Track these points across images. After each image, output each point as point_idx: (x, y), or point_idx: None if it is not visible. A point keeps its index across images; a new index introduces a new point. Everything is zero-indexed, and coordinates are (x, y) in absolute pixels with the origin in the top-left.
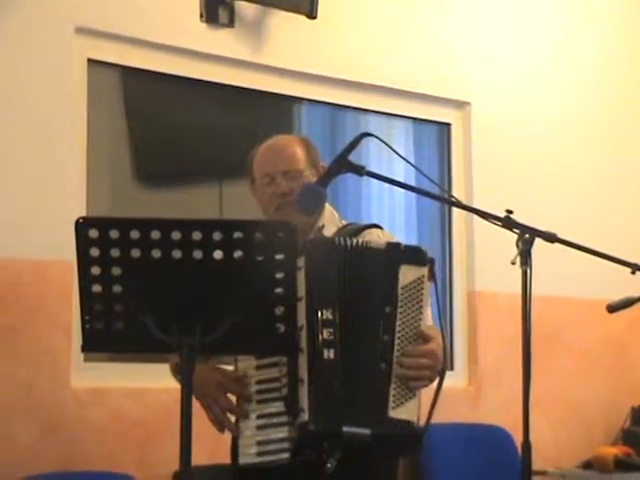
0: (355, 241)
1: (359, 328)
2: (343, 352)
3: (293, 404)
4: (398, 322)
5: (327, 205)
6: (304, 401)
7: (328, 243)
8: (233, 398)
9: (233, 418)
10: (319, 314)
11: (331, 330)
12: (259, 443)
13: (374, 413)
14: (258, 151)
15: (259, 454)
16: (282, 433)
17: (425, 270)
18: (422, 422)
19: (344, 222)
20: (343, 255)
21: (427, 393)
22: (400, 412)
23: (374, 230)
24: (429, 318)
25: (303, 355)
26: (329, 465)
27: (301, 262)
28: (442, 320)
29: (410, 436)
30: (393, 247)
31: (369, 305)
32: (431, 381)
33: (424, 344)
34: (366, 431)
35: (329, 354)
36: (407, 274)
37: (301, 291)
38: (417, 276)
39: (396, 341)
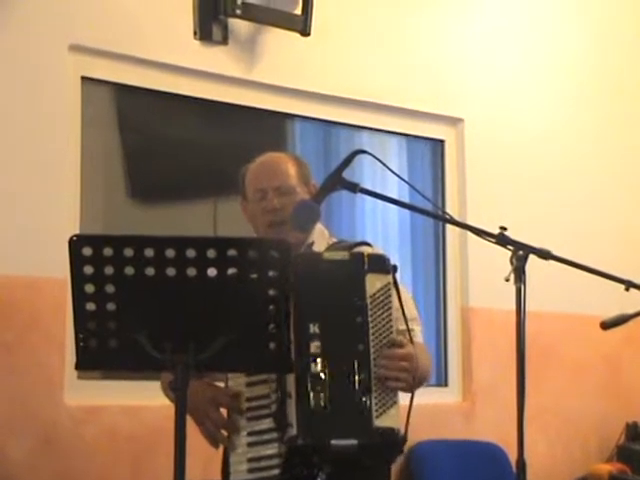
0: (325, 254)
1: (338, 340)
2: (328, 365)
3: (282, 419)
4: (371, 331)
5: (317, 223)
6: (292, 416)
7: (312, 258)
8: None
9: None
10: (307, 328)
11: (318, 344)
12: (250, 460)
13: (359, 423)
14: (250, 168)
15: (250, 471)
16: (272, 449)
17: (390, 278)
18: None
19: (334, 239)
20: (321, 269)
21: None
22: (384, 420)
23: (364, 247)
24: (418, 336)
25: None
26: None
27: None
28: (428, 333)
29: (394, 442)
30: (357, 257)
31: (343, 317)
32: (409, 385)
33: (399, 348)
34: (353, 442)
35: (316, 367)
36: (374, 283)
37: (290, 306)
38: (383, 284)
39: (371, 350)
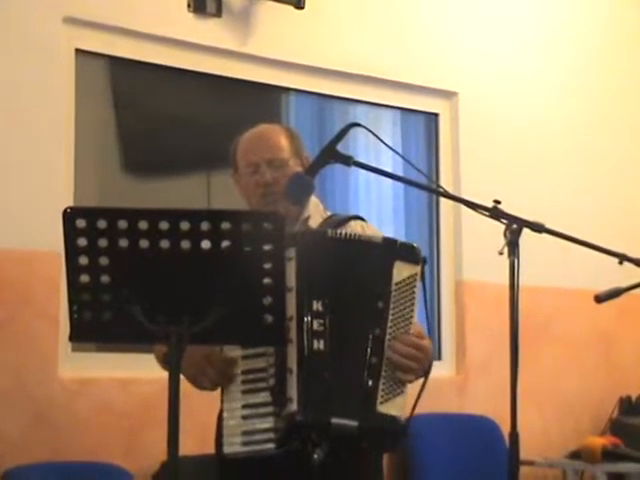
0: (350, 234)
1: (350, 321)
2: (333, 344)
3: (280, 394)
4: (390, 318)
5: (312, 196)
6: (292, 391)
7: (320, 235)
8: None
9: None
10: (310, 305)
11: (321, 321)
12: (244, 433)
13: (362, 406)
14: (241, 140)
15: (244, 444)
16: (268, 423)
17: (418, 268)
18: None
19: (328, 213)
20: (337, 247)
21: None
22: (388, 407)
23: (358, 222)
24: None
25: (292, 345)
26: (316, 456)
27: (292, 253)
28: (429, 318)
29: (395, 431)
30: (389, 243)
31: (361, 299)
32: (417, 377)
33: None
34: (353, 423)
35: (319, 345)
36: (401, 271)
37: (292, 282)
38: (411, 273)
39: (387, 337)
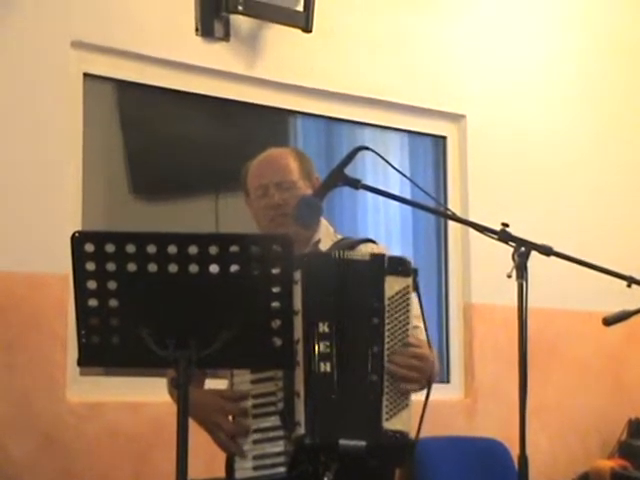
0: (340, 253)
1: (351, 341)
2: (338, 365)
3: (289, 418)
4: (387, 333)
5: (322, 219)
6: (300, 415)
7: (324, 257)
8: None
9: None
10: (316, 327)
11: (327, 343)
12: (255, 457)
13: (369, 425)
14: (251, 165)
15: (255, 468)
16: (278, 447)
17: (410, 280)
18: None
19: (339, 236)
20: (336, 268)
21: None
22: (394, 422)
23: (369, 244)
24: (422, 333)
25: (299, 368)
26: (326, 478)
27: (298, 275)
28: (430, 330)
29: (403, 446)
30: (377, 259)
31: (359, 317)
32: (420, 386)
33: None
34: (361, 443)
35: (325, 367)
36: (392, 285)
37: (298, 304)
38: (402, 286)
39: (385, 352)
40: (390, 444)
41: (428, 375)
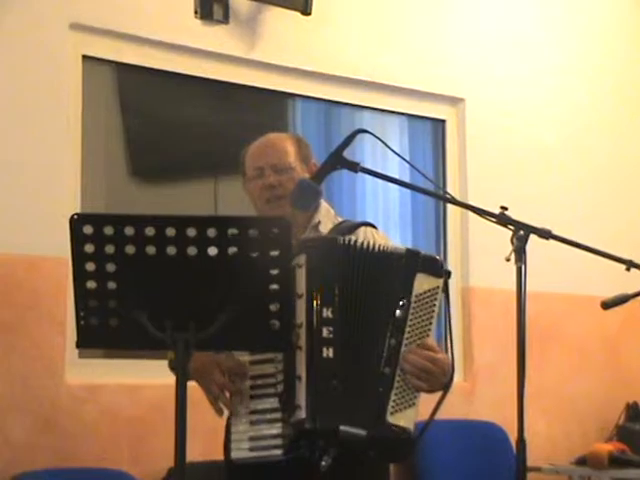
0: (372, 244)
1: (364, 329)
2: (343, 351)
3: (289, 401)
4: (407, 329)
5: (323, 202)
6: (301, 398)
7: (331, 242)
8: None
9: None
10: (320, 312)
11: (331, 329)
12: (252, 438)
13: (372, 415)
14: (250, 147)
15: (251, 449)
16: (275, 429)
17: (440, 282)
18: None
19: (339, 219)
20: (351, 255)
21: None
22: (398, 418)
23: (368, 229)
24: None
25: (301, 352)
26: (324, 463)
27: (302, 260)
28: (446, 331)
29: (404, 442)
30: (411, 254)
31: (379, 307)
32: (431, 389)
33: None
34: (362, 432)
35: (328, 353)
36: (423, 283)
37: (302, 289)
38: (432, 286)
39: (403, 347)
40: (391, 438)
41: (440, 381)
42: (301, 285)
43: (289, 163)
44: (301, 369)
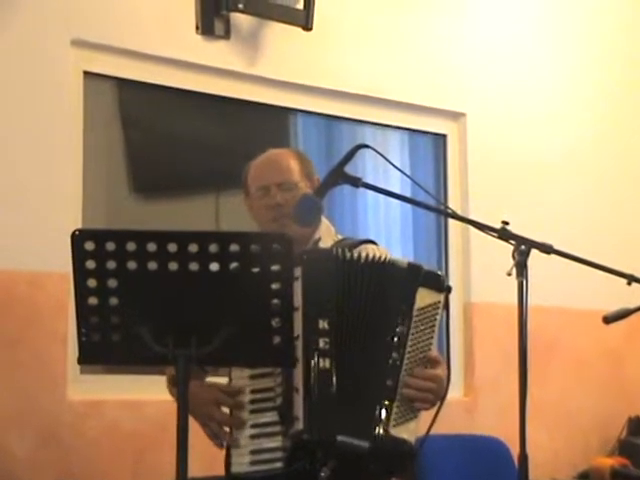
0: (373, 256)
1: (362, 341)
2: (340, 362)
3: (287, 413)
4: (409, 343)
5: (323, 218)
6: (299, 410)
7: (326, 254)
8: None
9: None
10: (315, 324)
11: (327, 340)
12: (252, 452)
13: (374, 427)
14: (252, 165)
15: (252, 463)
16: (275, 442)
17: (442, 297)
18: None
19: (340, 236)
20: (349, 267)
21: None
22: (400, 430)
23: (369, 246)
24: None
25: (298, 364)
26: (323, 474)
27: (298, 272)
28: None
29: (405, 455)
30: (413, 268)
31: (379, 319)
32: (433, 405)
33: (432, 368)
34: (364, 444)
35: (324, 363)
36: (424, 297)
37: (298, 301)
38: (434, 301)
39: (405, 361)
40: (393, 451)
41: (439, 395)
42: (297, 297)
43: (294, 181)
44: (298, 381)
